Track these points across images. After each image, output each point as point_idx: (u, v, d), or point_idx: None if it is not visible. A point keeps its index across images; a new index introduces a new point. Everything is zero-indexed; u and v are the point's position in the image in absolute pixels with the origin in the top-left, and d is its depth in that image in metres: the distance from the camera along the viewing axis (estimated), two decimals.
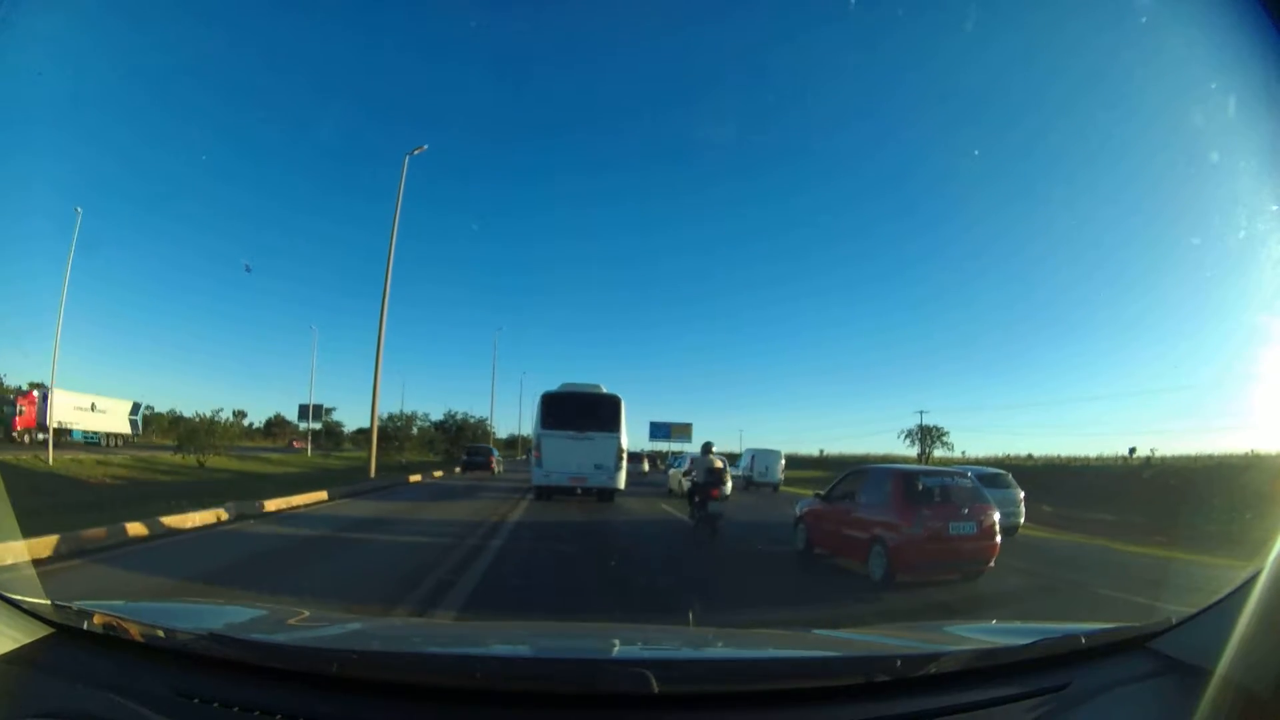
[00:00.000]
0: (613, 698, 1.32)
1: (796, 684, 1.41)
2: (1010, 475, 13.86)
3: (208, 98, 63.68)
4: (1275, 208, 1.98)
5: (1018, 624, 2.35)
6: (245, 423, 67.99)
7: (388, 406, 39.76)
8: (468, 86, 73.11)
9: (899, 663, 1.48)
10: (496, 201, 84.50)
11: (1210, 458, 29.94)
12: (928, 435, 56.72)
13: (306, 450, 43.07)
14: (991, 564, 7.48)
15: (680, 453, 31.96)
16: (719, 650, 2.04)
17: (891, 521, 7.43)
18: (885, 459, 56.06)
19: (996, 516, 7.62)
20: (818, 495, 9.50)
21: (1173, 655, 1.58)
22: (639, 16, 65.03)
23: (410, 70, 72.27)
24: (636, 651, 1.85)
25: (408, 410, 38.43)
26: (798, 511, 9.65)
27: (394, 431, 34.46)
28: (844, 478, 9.12)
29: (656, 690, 1.26)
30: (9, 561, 4.09)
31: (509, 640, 2.14)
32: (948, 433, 57.25)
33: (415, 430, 37.37)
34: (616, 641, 2.07)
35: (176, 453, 26.30)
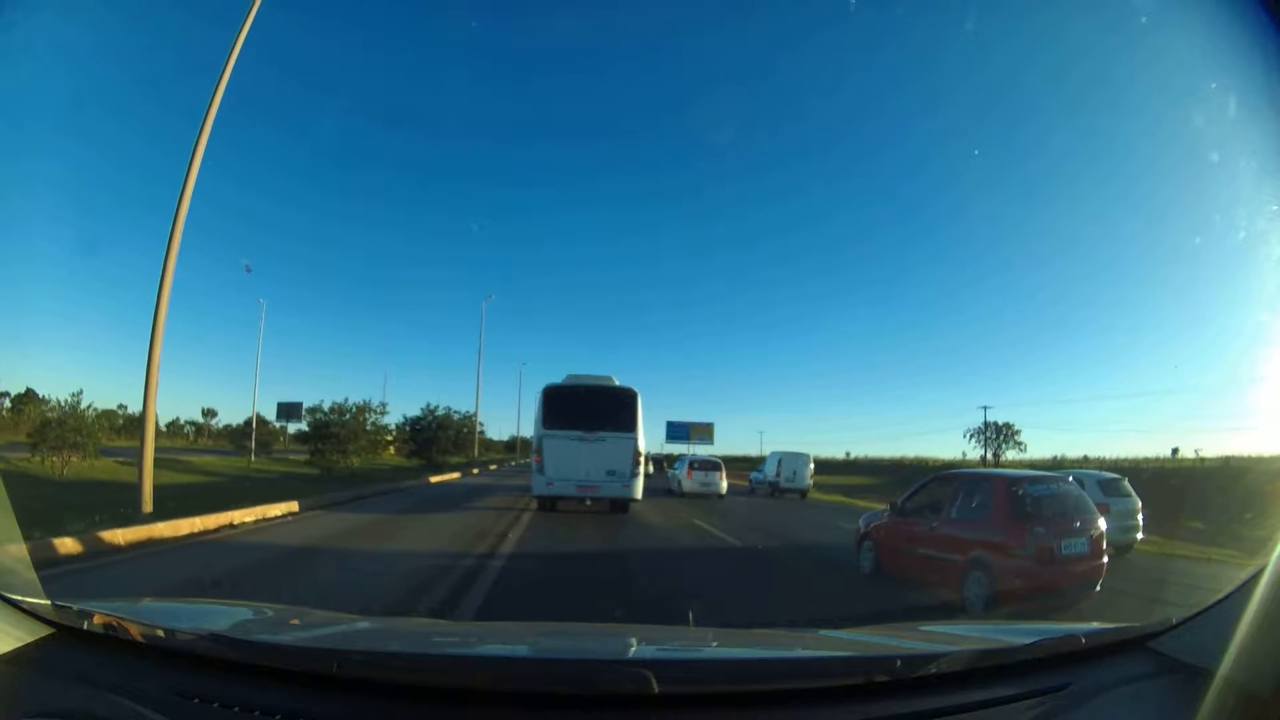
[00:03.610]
0: (613, 698, 1.32)
1: (797, 684, 1.41)
2: (1127, 481, 11.54)
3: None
4: None
5: (1018, 624, 2.35)
6: (215, 423, 63.74)
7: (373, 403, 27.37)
8: (470, 89, 73.38)
9: (899, 663, 1.47)
10: (498, 202, 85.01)
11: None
12: (997, 434, 48.97)
13: (250, 456, 32.88)
14: (1098, 588, 6.35)
15: (680, 455, 31.77)
16: (719, 650, 2.04)
17: (995, 540, 6.27)
18: (919, 461, 50.00)
19: (1104, 527, 6.61)
20: (891, 506, 8.09)
21: (1173, 655, 1.58)
22: (644, 22, 65.21)
23: (413, 73, 72.55)
24: (637, 651, 1.84)
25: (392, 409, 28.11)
26: (861, 527, 8.42)
27: (336, 429, 25.39)
28: (924, 485, 7.81)
29: (657, 690, 1.25)
30: (9, 562, 4.07)
31: (509, 641, 2.14)
32: (1020, 431, 49.13)
33: (370, 426, 26.75)
34: (616, 642, 2.06)
35: (34, 454, 18.68)
